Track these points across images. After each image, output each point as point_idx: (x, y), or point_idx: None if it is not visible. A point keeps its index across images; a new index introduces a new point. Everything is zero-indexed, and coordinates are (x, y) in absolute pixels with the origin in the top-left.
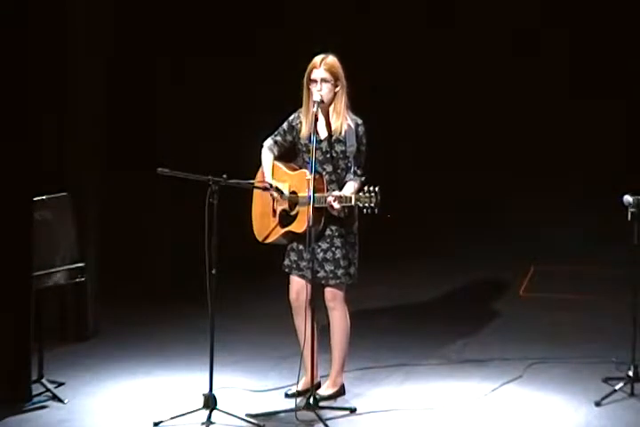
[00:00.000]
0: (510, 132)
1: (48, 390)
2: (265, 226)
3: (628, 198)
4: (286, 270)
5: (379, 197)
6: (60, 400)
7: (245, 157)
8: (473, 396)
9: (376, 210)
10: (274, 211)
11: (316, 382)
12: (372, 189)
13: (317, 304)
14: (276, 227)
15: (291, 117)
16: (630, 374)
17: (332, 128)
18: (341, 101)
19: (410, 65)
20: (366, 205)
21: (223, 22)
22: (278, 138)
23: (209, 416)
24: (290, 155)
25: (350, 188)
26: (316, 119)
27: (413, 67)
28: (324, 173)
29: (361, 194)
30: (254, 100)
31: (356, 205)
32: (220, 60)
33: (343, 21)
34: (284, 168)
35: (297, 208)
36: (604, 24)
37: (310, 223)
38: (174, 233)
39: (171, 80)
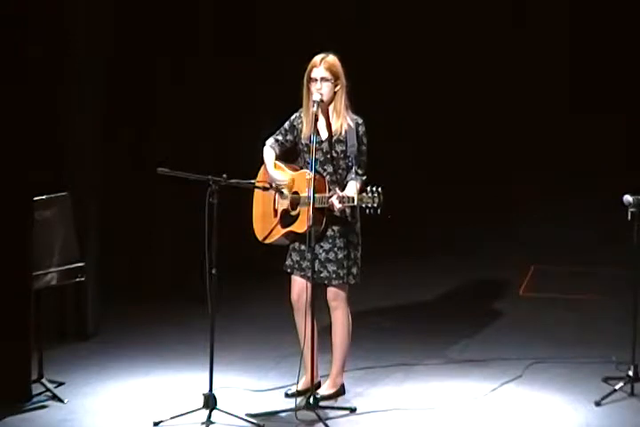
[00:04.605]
0: (511, 133)
1: (48, 389)
2: (266, 226)
3: (628, 198)
4: (288, 271)
5: (382, 198)
6: (60, 400)
7: (245, 157)
8: (473, 396)
9: (379, 210)
10: (275, 211)
11: (316, 381)
12: (374, 189)
13: (319, 304)
14: (277, 227)
15: (292, 117)
16: (630, 373)
17: (333, 128)
18: (341, 101)
19: (410, 66)
20: (369, 205)
21: (223, 22)
22: (280, 137)
23: (209, 416)
24: (291, 157)
25: (352, 188)
26: (316, 119)
27: (414, 67)
28: (324, 174)
29: (364, 194)
30: (254, 100)
31: (358, 205)
32: (220, 60)
33: (343, 21)
34: (286, 168)
35: (298, 208)
36: (604, 35)
37: (311, 223)
38: (174, 233)
39: (171, 80)
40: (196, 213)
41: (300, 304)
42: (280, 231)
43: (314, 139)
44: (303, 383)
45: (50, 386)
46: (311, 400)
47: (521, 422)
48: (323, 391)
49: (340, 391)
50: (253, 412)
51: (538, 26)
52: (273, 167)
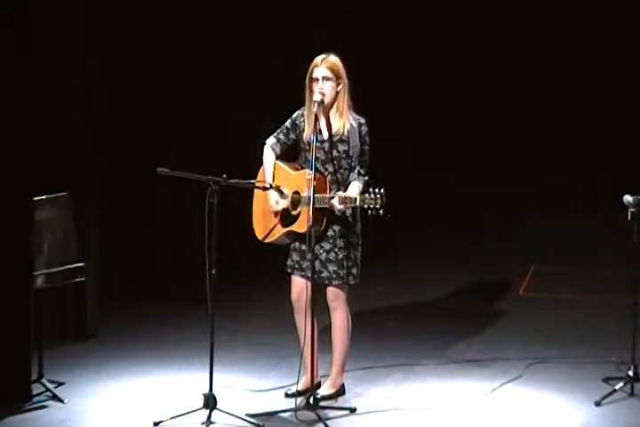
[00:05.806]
0: (510, 133)
1: (48, 389)
2: (266, 225)
3: (628, 198)
4: (288, 271)
5: (384, 200)
6: (60, 400)
7: (245, 157)
8: (473, 396)
9: (381, 212)
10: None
11: (316, 381)
12: (377, 190)
13: (319, 304)
14: (277, 226)
15: (294, 115)
16: (630, 373)
17: (335, 128)
18: (344, 101)
19: (410, 66)
20: (371, 206)
21: (223, 22)
22: (281, 136)
23: (209, 416)
24: (292, 156)
25: (355, 188)
26: (317, 119)
27: (414, 67)
28: (325, 173)
29: (366, 195)
30: (254, 100)
31: (360, 206)
32: (220, 60)
33: (343, 21)
34: (286, 168)
35: (299, 208)
36: (603, 35)
37: (310, 223)
38: (174, 233)
39: (171, 80)
40: (196, 213)
41: (300, 304)
42: (280, 231)
43: (314, 138)
44: (303, 383)
45: (50, 386)
46: (311, 400)
47: (521, 422)
48: (323, 391)
49: (340, 392)
50: (253, 412)
51: (537, 24)
52: (272, 175)
